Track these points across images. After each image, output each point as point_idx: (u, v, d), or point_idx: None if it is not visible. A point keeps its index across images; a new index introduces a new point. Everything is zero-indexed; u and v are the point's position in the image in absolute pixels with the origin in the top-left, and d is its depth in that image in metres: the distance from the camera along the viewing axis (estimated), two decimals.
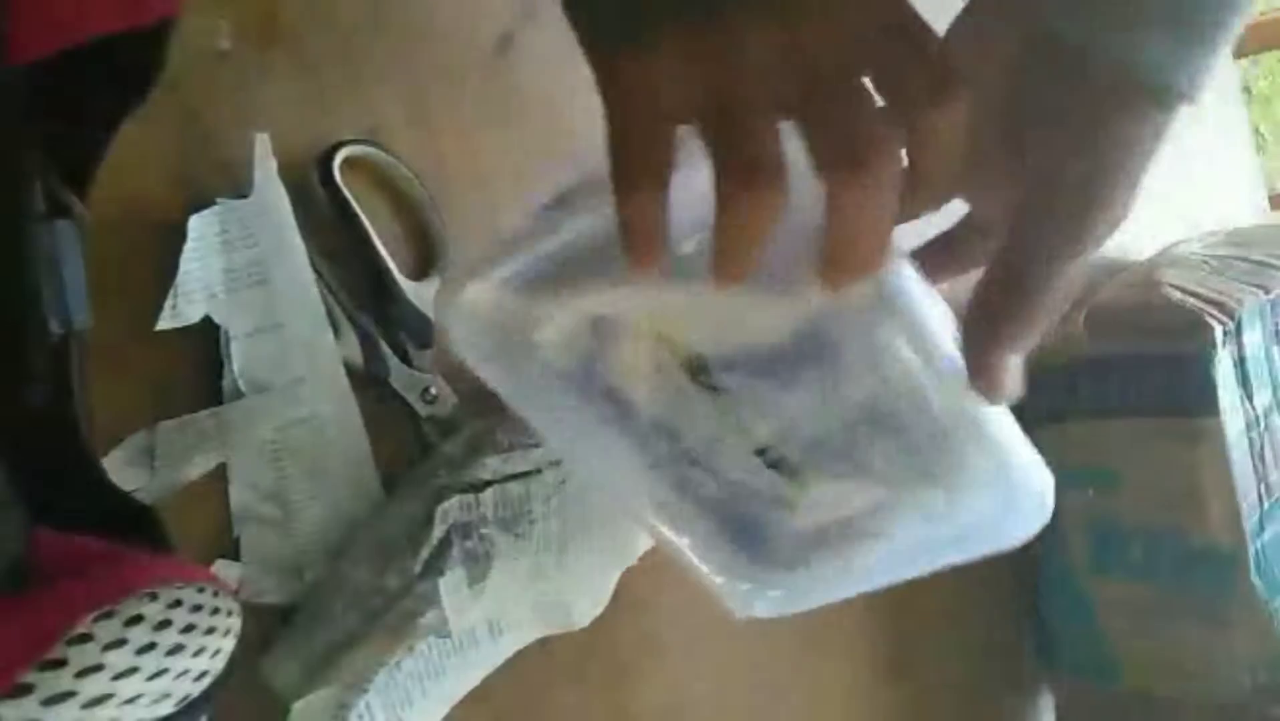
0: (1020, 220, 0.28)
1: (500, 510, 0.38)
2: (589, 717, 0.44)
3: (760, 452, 0.33)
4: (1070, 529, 0.63)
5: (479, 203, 0.42)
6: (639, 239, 0.22)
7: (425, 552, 0.35)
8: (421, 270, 0.40)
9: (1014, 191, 0.28)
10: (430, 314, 0.39)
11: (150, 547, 0.27)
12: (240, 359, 0.34)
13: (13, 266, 0.25)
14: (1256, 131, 2.16)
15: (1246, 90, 2.20)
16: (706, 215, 0.22)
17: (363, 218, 0.38)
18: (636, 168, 0.21)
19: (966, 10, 0.29)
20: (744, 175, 0.20)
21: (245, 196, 0.34)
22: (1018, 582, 0.67)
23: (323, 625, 0.34)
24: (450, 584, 0.35)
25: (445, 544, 0.36)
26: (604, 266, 0.27)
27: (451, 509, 0.36)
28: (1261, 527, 0.56)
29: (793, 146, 0.22)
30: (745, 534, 0.35)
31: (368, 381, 0.38)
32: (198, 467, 0.33)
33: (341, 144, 0.37)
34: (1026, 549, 0.69)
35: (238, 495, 0.34)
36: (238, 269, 0.34)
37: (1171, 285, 0.62)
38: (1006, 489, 0.34)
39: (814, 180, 0.21)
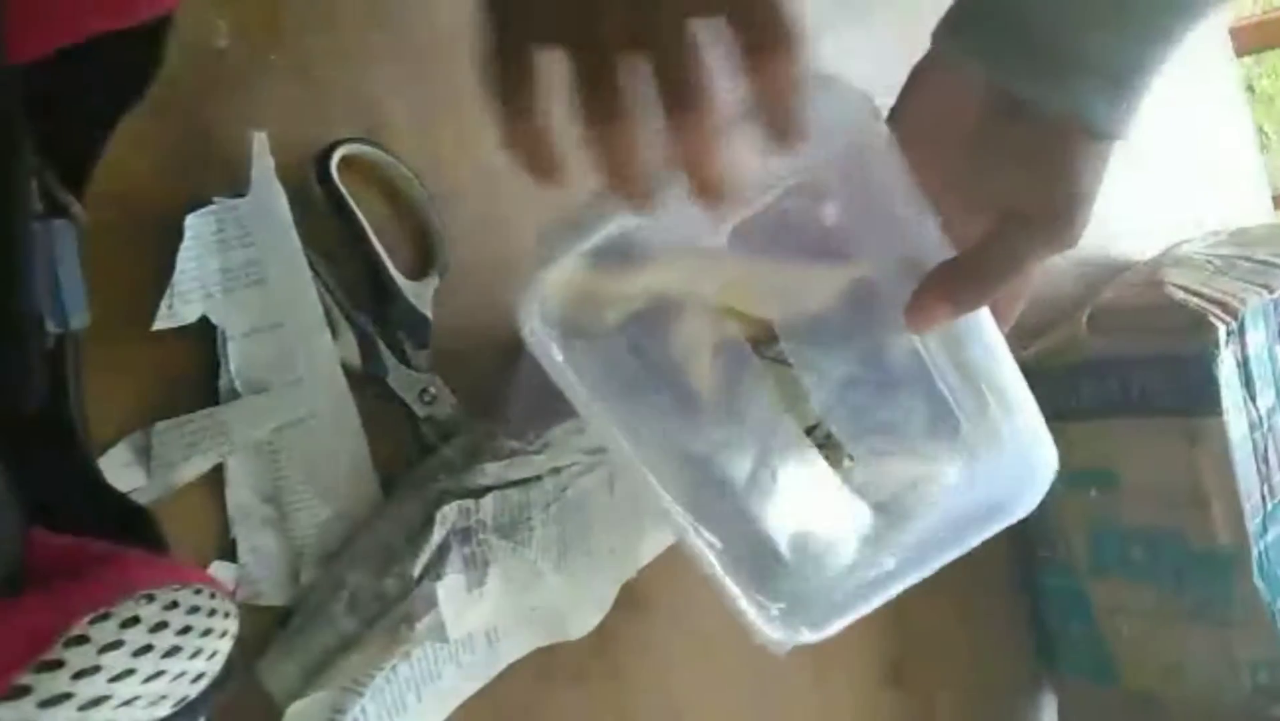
0: (989, 235, 0.33)
1: (500, 516, 0.37)
2: (589, 717, 0.43)
3: (810, 430, 0.36)
4: (1071, 529, 0.63)
5: (479, 202, 0.42)
6: (535, 160, 0.25)
7: (424, 557, 0.35)
8: (420, 270, 0.40)
9: (982, 215, 0.33)
10: (427, 313, 0.39)
11: (146, 549, 0.27)
12: (237, 359, 0.34)
13: (9, 266, 0.24)
14: (1260, 131, 2.15)
15: (1250, 89, 2.20)
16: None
17: (360, 217, 0.38)
18: (511, 82, 0.25)
19: (929, 60, 0.34)
20: (595, 112, 0.24)
21: (242, 195, 0.34)
22: (1018, 583, 0.67)
23: (320, 628, 0.34)
24: (449, 588, 0.35)
25: (444, 548, 0.36)
26: (668, 245, 0.32)
27: (451, 513, 0.36)
28: (1264, 529, 0.56)
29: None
30: (775, 550, 0.35)
31: (365, 381, 0.38)
32: (195, 468, 0.33)
33: (339, 142, 0.37)
34: (1027, 549, 0.69)
35: (234, 496, 0.34)
36: (235, 268, 0.34)
37: (1175, 285, 0.62)
38: (1018, 447, 0.37)
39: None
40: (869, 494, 0.37)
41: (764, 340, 0.36)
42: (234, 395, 0.34)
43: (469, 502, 0.37)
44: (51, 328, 0.27)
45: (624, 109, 0.24)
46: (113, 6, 0.23)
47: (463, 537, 0.36)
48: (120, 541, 0.25)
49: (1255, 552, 0.55)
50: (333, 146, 0.37)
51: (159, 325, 0.32)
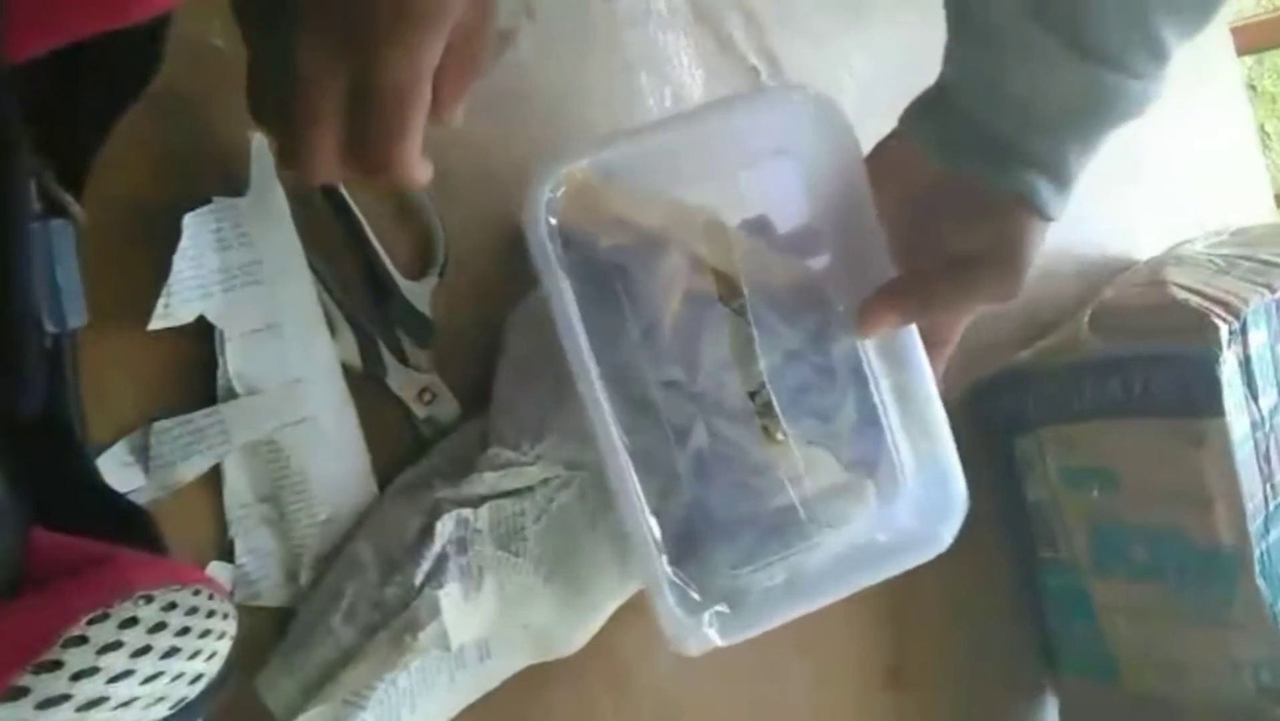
0: (938, 269, 0.39)
1: (496, 527, 0.37)
2: (589, 718, 0.43)
3: (753, 395, 0.38)
4: (1073, 529, 0.62)
5: (479, 202, 0.42)
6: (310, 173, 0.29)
7: (426, 565, 0.35)
8: (420, 270, 0.40)
9: (932, 268, 0.38)
10: (427, 313, 0.39)
11: (145, 550, 0.27)
12: (235, 359, 0.34)
13: (7, 266, 0.24)
14: (1262, 130, 2.15)
15: (1252, 88, 2.20)
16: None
17: (360, 217, 0.38)
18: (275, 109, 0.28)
19: (893, 134, 0.40)
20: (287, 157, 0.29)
21: (241, 195, 0.34)
22: (1019, 583, 0.66)
23: (319, 641, 0.34)
24: (449, 598, 0.35)
25: (442, 558, 0.35)
26: (674, 180, 0.36)
27: (450, 523, 0.36)
28: (1266, 529, 0.56)
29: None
30: (702, 531, 0.36)
31: (365, 381, 0.38)
32: (194, 468, 0.33)
33: None
34: (1028, 549, 0.69)
35: (232, 496, 0.34)
36: (233, 268, 0.34)
37: (1177, 284, 0.61)
38: (935, 477, 0.40)
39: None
40: (794, 486, 0.38)
41: (730, 299, 0.39)
42: (232, 395, 0.34)
43: (467, 512, 0.36)
44: (49, 328, 0.27)
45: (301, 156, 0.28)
46: (111, 5, 0.23)
47: (459, 547, 0.36)
48: (118, 542, 0.25)
49: (1257, 553, 0.55)
50: None
51: (155, 325, 0.32)
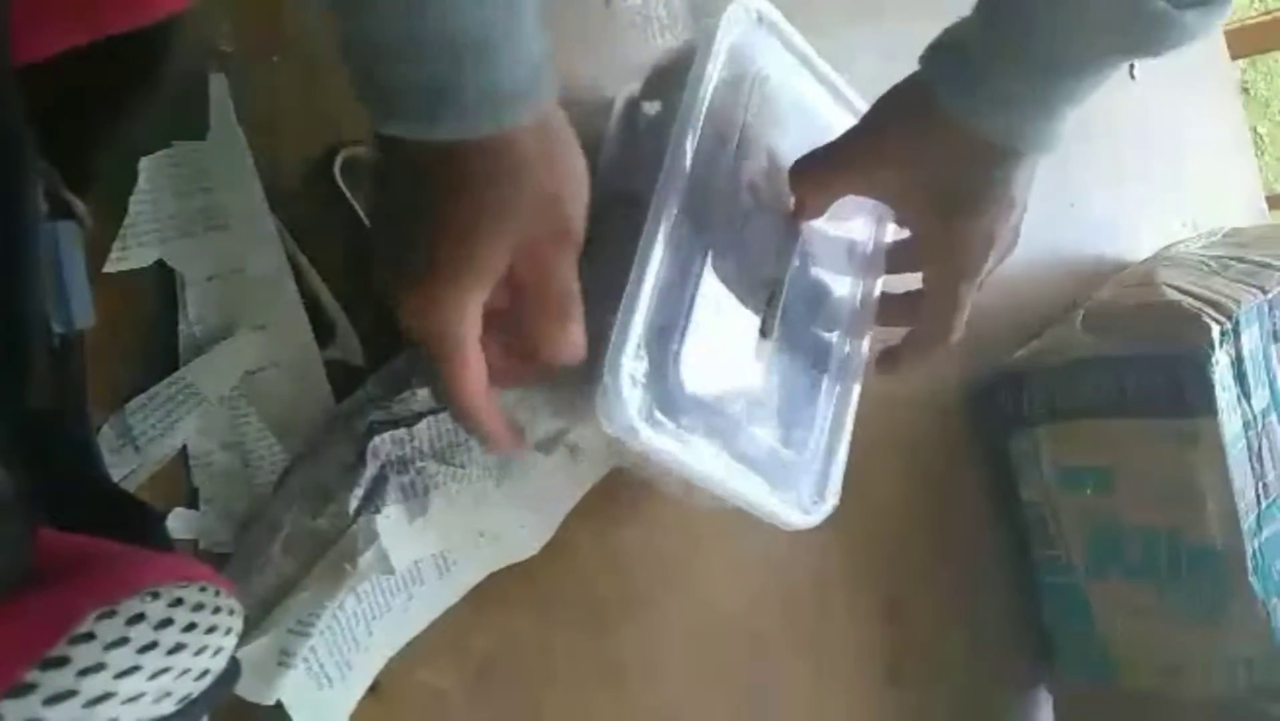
0: (932, 290, 0.39)
1: (436, 441, 0.37)
2: (589, 717, 0.44)
3: (770, 283, 0.41)
4: (1069, 529, 0.63)
5: None
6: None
7: (360, 491, 0.34)
8: None
9: (917, 192, 0.37)
10: None
11: (151, 546, 0.27)
12: (196, 305, 0.33)
13: (15, 267, 0.24)
14: (1254, 132, 2.16)
15: (1245, 91, 2.20)
16: None
17: (365, 217, 0.38)
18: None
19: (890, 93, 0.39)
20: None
21: (202, 139, 0.33)
22: (1015, 582, 0.67)
23: (258, 571, 0.33)
24: (389, 520, 0.34)
25: (380, 480, 0.35)
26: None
27: (384, 444, 0.35)
28: (1259, 527, 0.56)
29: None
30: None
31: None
32: (181, 434, 0.33)
33: (343, 145, 0.37)
34: (1025, 548, 0.70)
35: (195, 445, 0.33)
36: (193, 213, 0.33)
37: (1169, 285, 0.62)
38: (824, 469, 0.44)
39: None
40: (759, 386, 0.41)
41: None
42: (194, 341, 0.33)
43: (401, 432, 0.36)
44: (56, 328, 0.27)
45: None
46: (122, 8, 0.24)
47: (399, 467, 0.35)
48: (125, 539, 0.25)
49: (1249, 551, 0.55)
50: (336, 149, 0.37)
51: (111, 268, 0.31)
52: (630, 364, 0.34)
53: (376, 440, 0.35)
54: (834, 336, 0.45)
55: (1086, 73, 0.34)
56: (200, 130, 0.33)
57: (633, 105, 0.41)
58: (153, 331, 0.33)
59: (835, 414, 0.44)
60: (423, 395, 0.36)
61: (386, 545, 0.34)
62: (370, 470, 0.35)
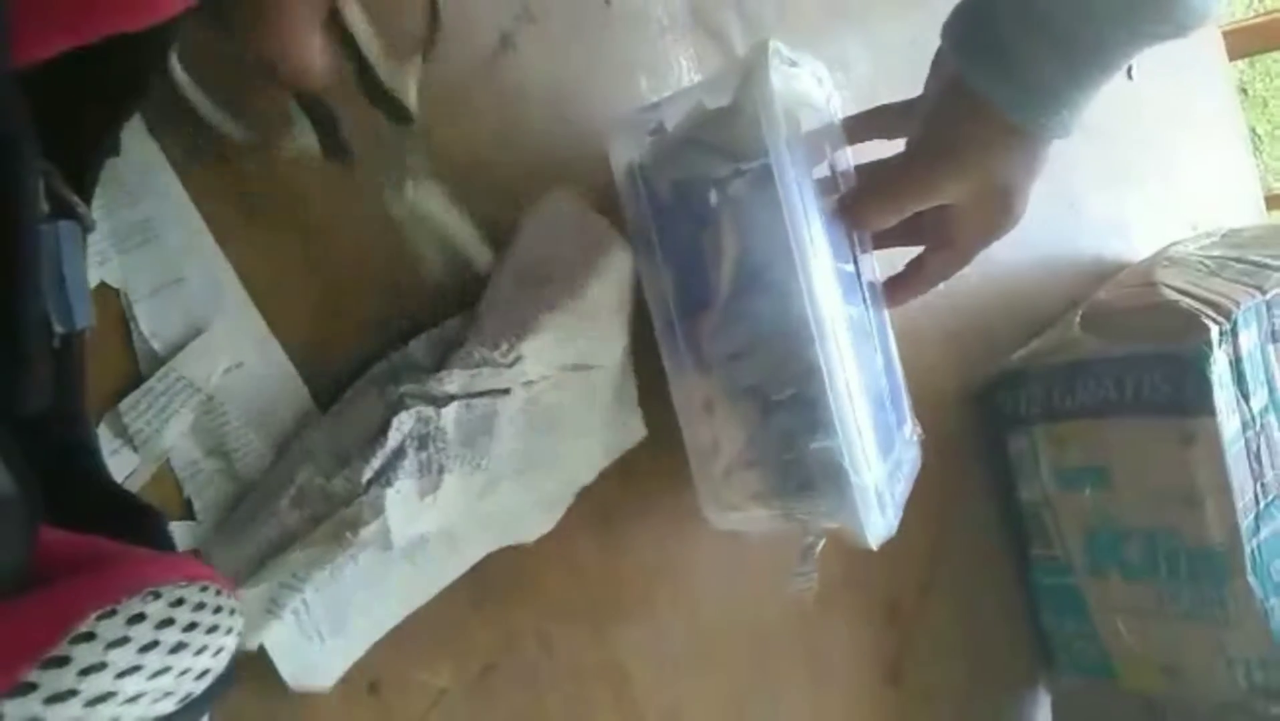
0: (947, 224, 0.44)
1: (462, 426, 0.36)
2: (589, 717, 0.44)
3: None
4: (1067, 528, 0.63)
5: (478, 202, 0.42)
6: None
7: (377, 462, 0.34)
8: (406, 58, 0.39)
9: (935, 158, 0.43)
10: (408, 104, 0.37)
11: (152, 546, 0.27)
12: (147, 320, 0.33)
13: (17, 266, 0.24)
14: (1253, 132, 2.16)
15: (1243, 91, 2.21)
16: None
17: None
18: None
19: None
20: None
21: (117, 154, 0.32)
22: (1014, 582, 0.67)
23: (263, 520, 0.33)
24: (399, 496, 0.34)
25: (399, 454, 0.35)
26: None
27: (409, 420, 0.35)
28: (1257, 527, 0.56)
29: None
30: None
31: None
32: (178, 426, 0.33)
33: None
34: (1023, 548, 0.69)
35: (180, 457, 0.33)
36: (125, 229, 0.33)
37: (1168, 285, 0.62)
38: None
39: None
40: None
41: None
42: (152, 355, 0.33)
43: (429, 411, 0.35)
44: (57, 328, 0.27)
45: None
46: (124, 6, 0.23)
47: (420, 444, 0.35)
48: (126, 539, 0.25)
49: (1248, 551, 0.56)
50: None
51: None
52: (875, 474, 0.40)
53: (404, 414, 0.35)
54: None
55: (1115, 60, 0.39)
56: (114, 145, 0.33)
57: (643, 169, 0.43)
58: (113, 347, 0.33)
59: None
60: (459, 378, 0.36)
61: (391, 522, 0.34)
62: (391, 442, 0.35)
